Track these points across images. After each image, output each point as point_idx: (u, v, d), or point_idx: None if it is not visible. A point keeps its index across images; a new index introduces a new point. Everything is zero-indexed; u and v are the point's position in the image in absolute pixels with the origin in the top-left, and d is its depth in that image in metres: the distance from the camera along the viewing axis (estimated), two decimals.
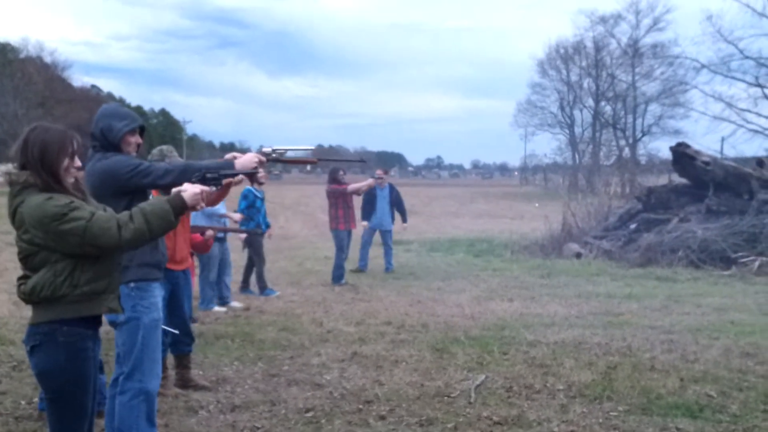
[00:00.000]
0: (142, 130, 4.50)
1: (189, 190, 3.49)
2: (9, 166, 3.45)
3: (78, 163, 3.51)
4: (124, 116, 4.39)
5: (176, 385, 6.26)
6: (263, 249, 11.51)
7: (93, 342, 3.49)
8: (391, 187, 14.49)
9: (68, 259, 3.32)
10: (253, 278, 11.57)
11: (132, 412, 4.28)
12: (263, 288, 11.31)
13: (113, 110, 4.44)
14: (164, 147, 6.46)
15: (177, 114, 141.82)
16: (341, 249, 12.56)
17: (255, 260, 11.44)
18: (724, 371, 6.67)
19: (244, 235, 11.13)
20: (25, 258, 3.36)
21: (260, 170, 4.49)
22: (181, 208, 3.46)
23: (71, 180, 3.45)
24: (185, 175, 4.01)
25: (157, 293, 4.45)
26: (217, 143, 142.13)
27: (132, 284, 4.26)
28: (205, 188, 3.56)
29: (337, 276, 12.45)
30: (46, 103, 64.55)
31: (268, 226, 11.60)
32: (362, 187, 12.73)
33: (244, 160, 4.27)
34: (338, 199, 12.51)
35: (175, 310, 6.24)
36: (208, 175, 3.89)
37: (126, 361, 4.29)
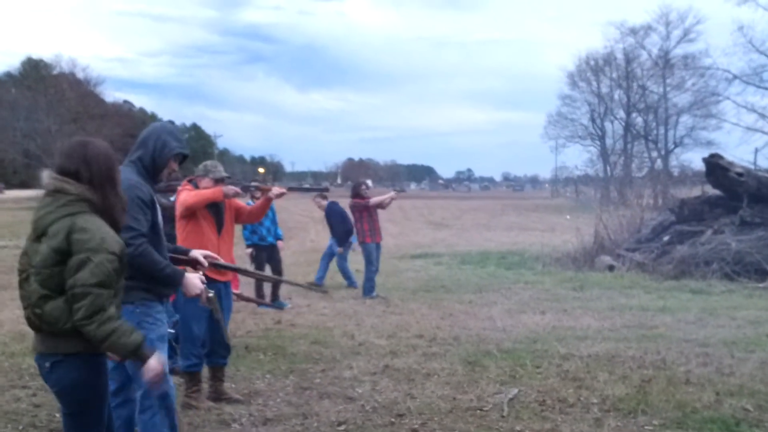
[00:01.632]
0: (183, 159, 4.54)
1: (151, 372, 3.44)
2: (52, 173, 3.42)
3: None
4: (181, 139, 4.45)
5: (209, 398, 6.28)
6: (264, 263, 11.57)
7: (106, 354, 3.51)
8: (330, 205, 14.17)
9: None
10: (283, 289, 11.66)
11: (156, 428, 4.27)
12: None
13: (172, 129, 4.48)
14: (209, 162, 6.52)
15: (208, 128, 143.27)
16: (370, 262, 12.54)
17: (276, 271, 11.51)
18: (760, 385, 6.57)
19: (249, 250, 11.58)
20: (46, 267, 3.27)
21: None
22: (142, 361, 3.40)
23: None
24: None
25: (161, 308, 4.40)
26: (247, 157, 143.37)
27: (136, 302, 4.18)
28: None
29: (368, 288, 12.45)
30: (78, 119, 65.38)
31: (278, 236, 11.84)
32: (385, 199, 12.70)
33: None
34: (362, 212, 12.49)
35: (215, 321, 6.25)
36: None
37: (139, 378, 4.24)
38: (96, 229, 3.27)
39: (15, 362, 7.52)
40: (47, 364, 3.38)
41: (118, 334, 3.26)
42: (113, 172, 3.42)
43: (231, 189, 6.15)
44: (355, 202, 12.54)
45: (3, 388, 6.68)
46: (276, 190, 6.43)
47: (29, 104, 64.47)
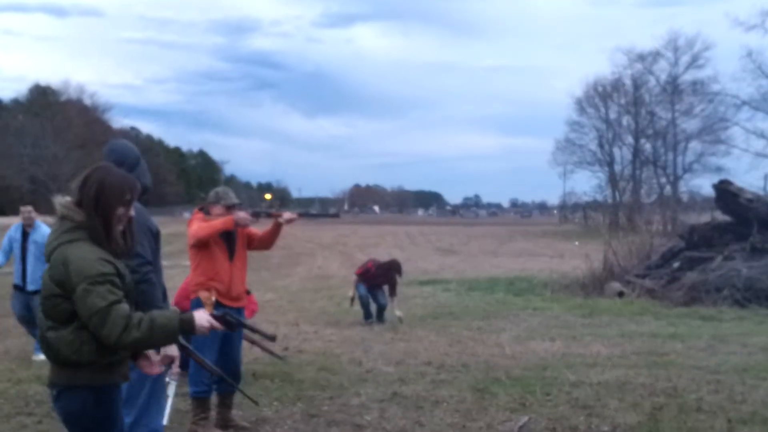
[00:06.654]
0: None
1: (201, 321, 3.31)
2: (67, 199, 3.36)
3: (132, 213, 3.47)
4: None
5: (216, 425, 6.24)
6: None
7: (119, 385, 3.45)
8: None
9: None
10: (288, 316, 11.61)
11: None
12: None
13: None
14: (220, 189, 6.52)
15: (215, 155, 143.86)
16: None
17: None
18: None
19: None
20: (48, 297, 3.25)
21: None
22: (188, 332, 3.32)
23: (120, 228, 3.39)
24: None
25: None
26: (254, 183, 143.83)
27: None
28: (216, 325, 3.39)
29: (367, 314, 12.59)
30: (86, 145, 65.77)
31: None
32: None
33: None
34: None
35: (229, 350, 6.17)
36: (228, 318, 3.71)
37: (132, 407, 4.17)
38: (79, 259, 3.20)
39: (21, 389, 7.49)
40: (54, 391, 3.34)
41: (156, 325, 3.19)
42: (103, 198, 3.31)
43: (242, 218, 6.10)
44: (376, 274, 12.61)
45: (9, 415, 6.65)
46: (286, 215, 6.42)
47: (36, 131, 65.00)
